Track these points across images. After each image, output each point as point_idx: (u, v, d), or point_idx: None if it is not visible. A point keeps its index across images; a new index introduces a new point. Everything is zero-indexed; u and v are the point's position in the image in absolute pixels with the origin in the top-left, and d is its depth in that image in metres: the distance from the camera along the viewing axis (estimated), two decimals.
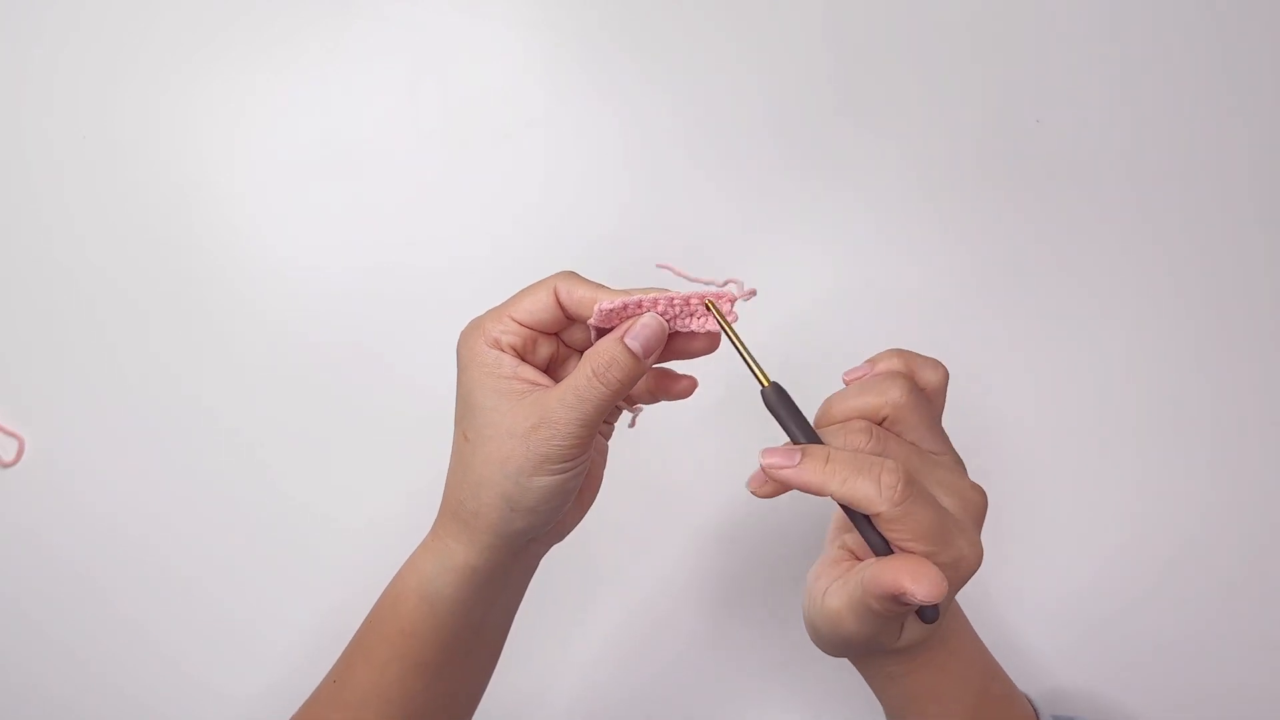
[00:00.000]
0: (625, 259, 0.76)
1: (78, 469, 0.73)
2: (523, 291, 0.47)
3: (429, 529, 0.50)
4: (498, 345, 0.46)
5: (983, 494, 0.45)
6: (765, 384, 0.45)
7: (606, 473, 0.53)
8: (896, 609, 0.42)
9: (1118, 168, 0.78)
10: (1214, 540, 0.75)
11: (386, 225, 0.76)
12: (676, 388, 0.50)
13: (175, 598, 0.72)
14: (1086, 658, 0.74)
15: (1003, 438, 0.76)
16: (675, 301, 0.45)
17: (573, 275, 0.46)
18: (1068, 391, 0.76)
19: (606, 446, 0.54)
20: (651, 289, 0.45)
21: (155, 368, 0.74)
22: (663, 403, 0.52)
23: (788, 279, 0.76)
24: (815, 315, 0.76)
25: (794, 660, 0.73)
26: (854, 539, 0.47)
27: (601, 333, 0.46)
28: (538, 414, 0.44)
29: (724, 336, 0.47)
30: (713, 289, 0.46)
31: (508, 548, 0.47)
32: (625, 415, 0.53)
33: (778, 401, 0.45)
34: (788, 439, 0.45)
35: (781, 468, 0.43)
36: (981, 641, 0.53)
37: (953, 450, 0.47)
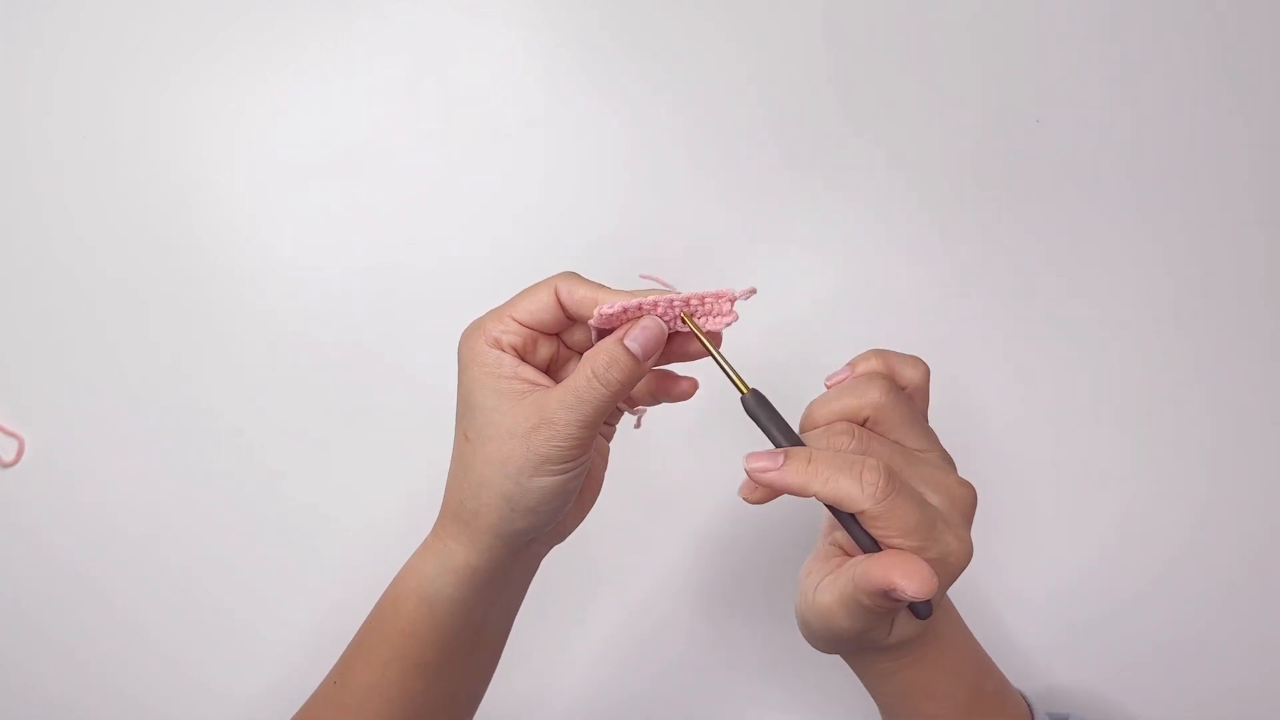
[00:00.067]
0: (625, 259, 0.76)
1: (78, 469, 0.73)
2: (523, 292, 0.47)
3: (429, 529, 0.50)
4: (498, 345, 0.46)
5: (971, 490, 0.46)
6: (744, 391, 0.46)
7: (607, 474, 0.53)
8: (887, 605, 0.42)
9: (1118, 168, 0.78)
10: (1211, 539, 0.75)
11: (386, 225, 0.76)
12: (677, 389, 0.50)
13: (175, 598, 0.72)
14: (1082, 656, 0.74)
15: (1002, 437, 0.76)
16: (675, 303, 0.45)
17: (573, 275, 0.46)
18: (1066, 391, 0.76)
19: (608, 448, 0.54)
20: (651, 291, 0.45)
21: (155, 368, 0.74)
22: (664, 404, 0.52)
23: (787, 279, 0.76)
24: (815, 316, 0.76)
25: (793, 660, 0.73)
26: (845, 535, 0.47)
27: (602, 334, 0.46)
28: (538, 414, 0.44)
29: (722, 338, 0.47)
30: (712, 290, 0.46)
31: (508, 548, 0.47)
32: (629, 417, 0.53)
33: (758, 407, 0.45)
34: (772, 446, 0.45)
35: (765, 471, 0.43)
36: (975, 638, 0.53)
37: (939, 447, 0.47)
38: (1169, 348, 0.77)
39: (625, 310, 0.45)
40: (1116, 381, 0.76)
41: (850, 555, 0.46)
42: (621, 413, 0.53)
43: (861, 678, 0.52)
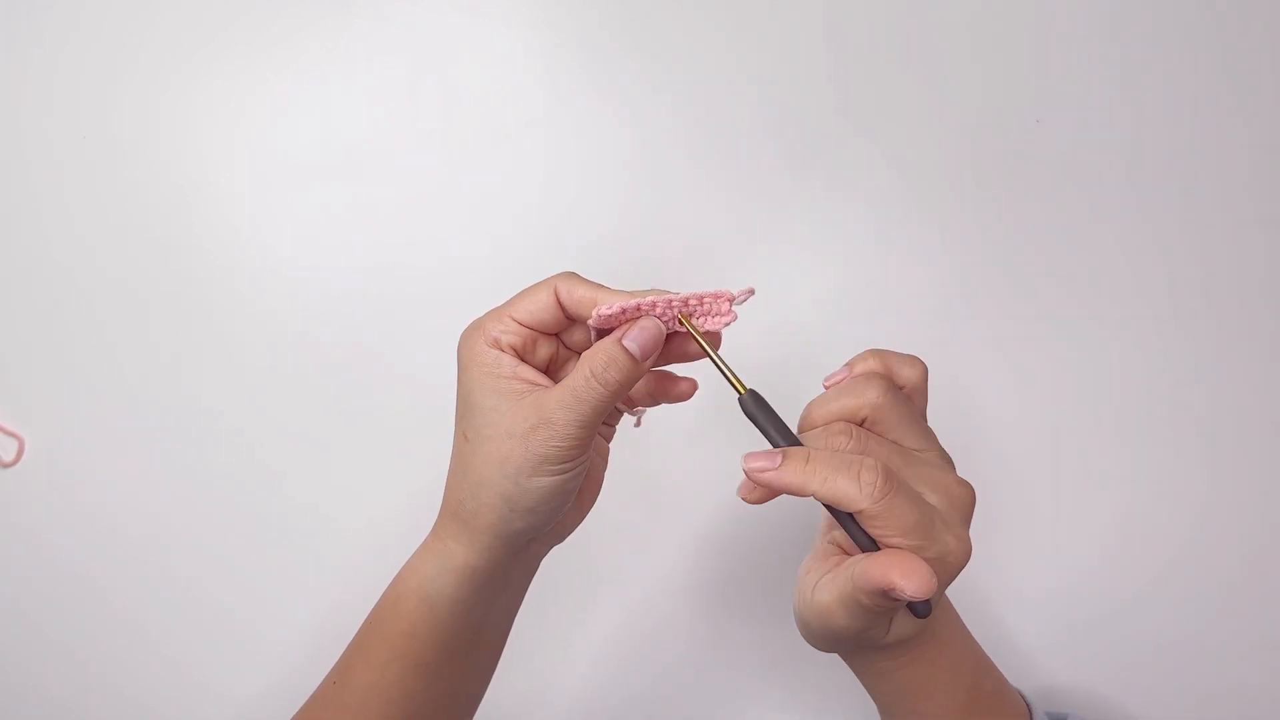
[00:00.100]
0: (625, 259, 0.76)
1: (78, 469, 0.73)
2: (523, 292, 0.47)
3: (429, 529, 0.50)
4: (497, 345, 0.46)
5: (970, 489, 0.46)
6: (741, 391, 0.46)
7: (607, 474, 0.53)
8: (886, 604, 0.42)
9: (1118, 168, 0.78)
10: (1211, 539, 0.75)
11: (386, 225, 0.76)
12: (676, 390, 0.51)
13: (175, 598, 0.72)
14: (1081, 655, 0.74)
15: (1001, 437, 0.76)
16: (674, 304, 0.45)
17: (573, 276, 0.46)
18: (1066, 391, 0.76)
19: (607, 449, 0.54)
20: (650, 291, 0.45)
21: (155, 367, 0.74)
22: (663, 405, 0.52)
23: (787, 279, 0.76)
24: (814, 316, 0.76)
25: (793, 660, 0.73)
26: (843, 534, 0.47)
27: (601, 335, 0.46)
28: (536, 414, 0.44)
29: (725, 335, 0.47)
30: (710, 290, 0.46)
31: (507, 548, 0.47)
32: (628, 418, 0.53)
33: (755, 408, 0.45)
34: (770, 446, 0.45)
35: (764, 471, 0.43)
36: (973, 637, 0.53)
37: (938, 447, 0.47)
38: (1169, 347, 0.77)
39: (624, 311, 0.45)
40: (1116, 381, 0.76)
41: (849, 554, 0.46)
42: (621, 413, 0.53)
43: (860, 677, 0.52)
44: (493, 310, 0.47)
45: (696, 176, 0.77)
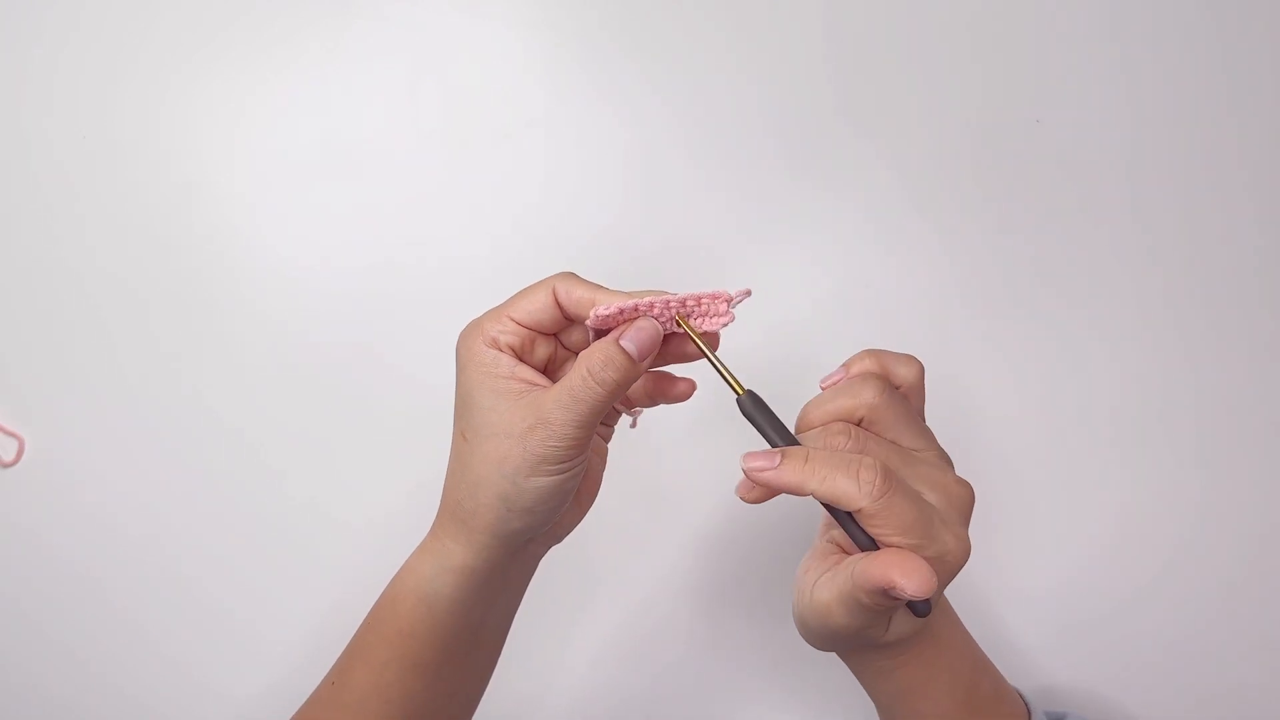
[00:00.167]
0: (624, 259, 0.76)
1: (78, 469, 0.73)
2: (522, 292, 0.47)
3: (428, 529, 0.50)
4: (496, 345, 0.46)
5: (968, 488, 0.46)
6: (740, 392, 0.46)
7: (605, 474, 0.53)
8: (886, 603, 0.42)
9: (1117, 168, 0.78)
10: (1210, 538, 0.75)
11: (386, 225, 0.76)
12: (675, 390, 0.51)
13: (175, 598, 0.72)
14: (1081, 655, 0.74)
15: (1000, 436, 0.76)
16: (671, 304, 0.45)
17: (571, 276, 0.46)
18: (1065, 390, 0.76)
19: (606, 449, 0.54)
20: (648, 292, 0.45)
21: (155, 367, 0.74)
22: (661, 405, 0.52)
23: (786, 280, 0.76)
24: (814, 316, 0.76)
25: (793, 660, 0.73)
26: (842, 533, 0.47)
27: (599, 335, 0.46)
28: (534, 414, 0.44)
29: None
30: (708, 291, 0.46)
31: (505, 548, 0.47)
32: (626, 418, 0.53)
33: (753, 408, 0.46)
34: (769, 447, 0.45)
35: (763, 470, 0.43)
36: (971, 637, 0.53)
37: (937, 446, 0.47)
38: (1168, 346, 0.77)
39: (622, 312, 0.45)
40: (1115, 380, 0.76)
41: (848, 553, 0.46)
42: (620, 414, 0.53)
43: (858, 676, 0.52)
44: (491, 310, 0.47)
45: (696, 176, 0.77)
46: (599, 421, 0.45)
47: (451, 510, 0.47)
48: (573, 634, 0.73)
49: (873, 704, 0.53)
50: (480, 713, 0.55)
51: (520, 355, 0.46)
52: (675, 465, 0.75)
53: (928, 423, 0.49)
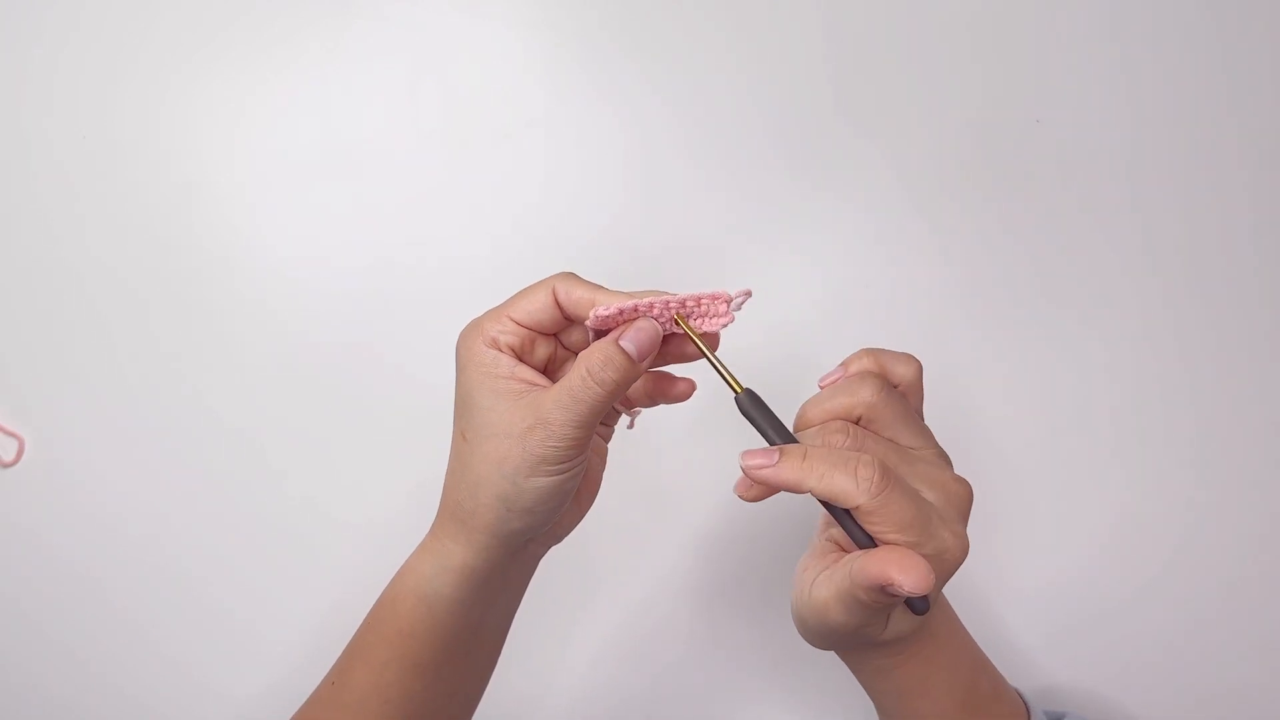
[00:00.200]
0: (624, 259, 0.76)
1: (78, 469, 0.73)
2: (521, 292, 0.47)
3: (428, 529, 0.50)
4: (496, 345, 0.46)
5: (967, 486, 0.46)
6: (738, 390, 0.46)
7: (605, 474, 0.53)
8: (884, 600, 0.42)
9: (1117, 168, 0.78)
10: (1210, 537, 0.75)
11: (386, 225, 0.76)
12: (674, 390, 0.51)
13: (175, 598, 0.73)
14: (1080, 655, 0.74)
15: (1000, 435, 0.76)
16: (671, 304, 0.45)
17: (571, 276, 0.46)
18: (1064, 389, 0.76)
19: (606, 449, 0.54)
20: (648, 293, 0.45)
21: (155, 367, 0.74)
22: (661, 405, 0.52)
23: (786, 279, 0.76)
24: (814, 316, 0.76)
25: (793, 659, 0.73)
26: (841, 532, 0.47)
27: (599, 336, 0.46)
28: (533, 415, 0.44)
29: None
30: (708, 291, 0.46)
31: (505, 548, 0.47)
32: (624, 418, 0.53)
33: (752, 406, 0.46)
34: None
35: (761, 468, 0.43)
36: (970, 636, 0.53)
37: (935, 445, 0.47)
38: (1167, 345, 0.77)
39: (621, 312, 0.45)
40: (1114, 379, 0.76)
41: (847, 551, 0.46)
42: (619, 414, 0.53)
43: (857, 675, 0.52)
44: (491, 310, 0.47)
45: (696, 176, 0.77)
46: (598, 422, 0.45)
47: (451, 510, 0.47)
48: (573, 634, 0.73)
49: (872, 704, 0.53)
50: (480, 713, 0.55)
51: (520, 355, 0.46)
52: (675, 465, 0.75)
53: (926, 422, 0.49)
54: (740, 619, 0.74)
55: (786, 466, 0.43)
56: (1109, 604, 0.74)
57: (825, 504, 0.44)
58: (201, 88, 0.76)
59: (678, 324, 0.46)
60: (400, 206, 0.76)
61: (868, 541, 0.43)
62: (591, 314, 0.45)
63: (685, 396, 0.51)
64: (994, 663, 0.54)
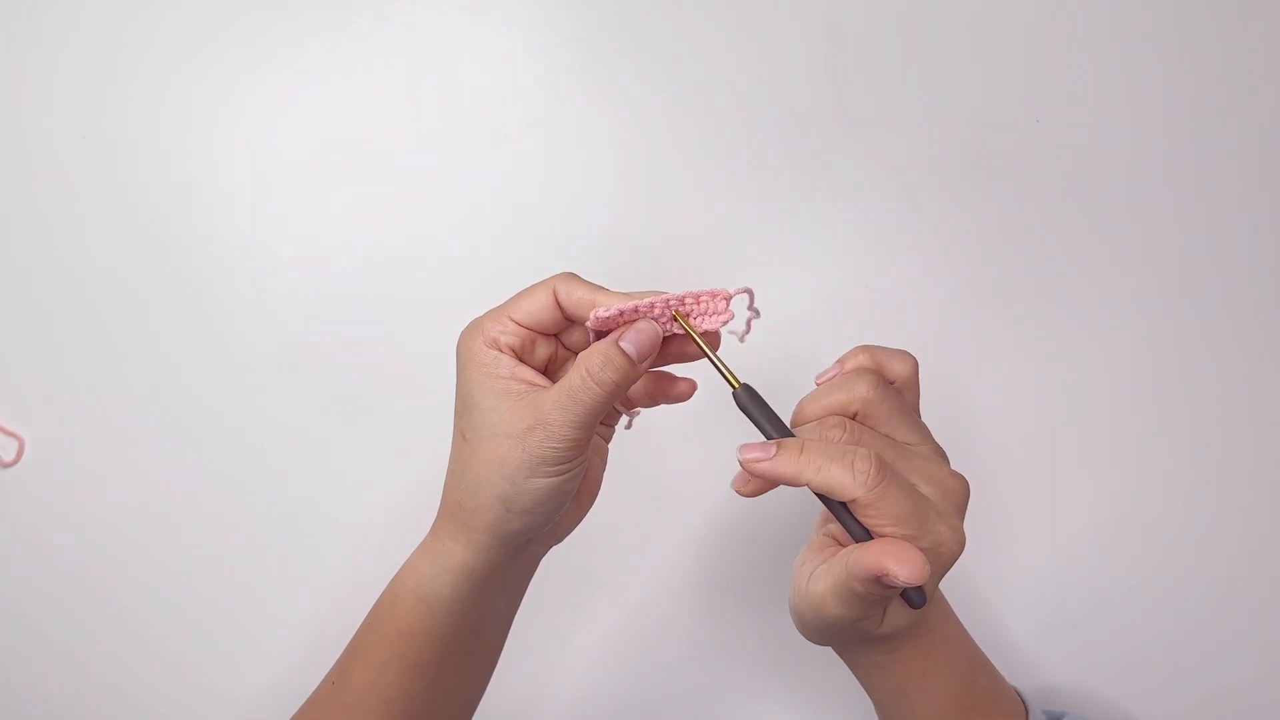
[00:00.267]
0: (624, 259, 0.76)
1: (78, 469, 0.73)
2: (522, 292, 0.47)
3: (428, 529, 0.50)
4: (496, 346, 0.46)
5: (964, 482, 0.46)
6: (735, 386, 0.46)
7: (605, 474, 0.53)
8: (880, 591, 0.42)
9: (1116, 168, 0.78)
10: (1209, 536, 0.75)
11: (386, 225, 0.76)
12: (675, 390, 0.51)
13: (175, 597, 0.73)
14: (1079, 654, 0.74)
15: (998, 433, 0.76)
16: (670, 304, 0.46)
17: (572, 276, 0.46)
18: (1062, 387, 0.76)
19: (606, 449, 0.54)
20: (648, 293, 0.45)
21: (155, 367, 0.74)
22: (662, 405, 0.52)
23: (785, 279, 0.76)
24: (814, 315, 0.76)
25: (793, 659, 0.73)
26: (839, 527, 0.47)
27: (599, 337, 0.46)
28: (533, 415, 0.44)
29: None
30: (707, 289, 0.47)
31: (505, 548, 0.47)
32: (623, 418, 0.53)
33: (749, 402, 0.46)
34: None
35: (758, 461, 0.43)
36: (968, 634, 0.53)
37: (932, 441, 0.48)
38: (1164, 342, 0.77)
39: (621, 314, 0.45)
40: (1111, 376, 0.76)
41: (844, 546, 0.46)
42: (619, 414, 0.53)
43: (855, 671, 0.52)
44: (491, 310, 0.47)
45: (696, 177, 0.77)
46: (598, 422, 0.45)
47: (451, 510, 0.47)
48: (573, 634, 0.73)
49: (872, 703, 0.53)
50: (480, 713, 0.55)
51: (520, 356, 0.46)
52: (675, 465, 0.75)
53: (923, 419, 0.49)
54: (740, 619, 0.74)
55: (783, 460, 0.43)
56: (1105, 601, 0.74)
57: (822, 497, 0.44)
58: (201, 88, 0.76)
59: (675, 320, 0.46)
60: (400, 206, 0.76)
61: (864, 535, 0.43)
62: (592, 315, 0.45)
63: (686, 397, 0.51)
64: (991, 659, 0.54)
